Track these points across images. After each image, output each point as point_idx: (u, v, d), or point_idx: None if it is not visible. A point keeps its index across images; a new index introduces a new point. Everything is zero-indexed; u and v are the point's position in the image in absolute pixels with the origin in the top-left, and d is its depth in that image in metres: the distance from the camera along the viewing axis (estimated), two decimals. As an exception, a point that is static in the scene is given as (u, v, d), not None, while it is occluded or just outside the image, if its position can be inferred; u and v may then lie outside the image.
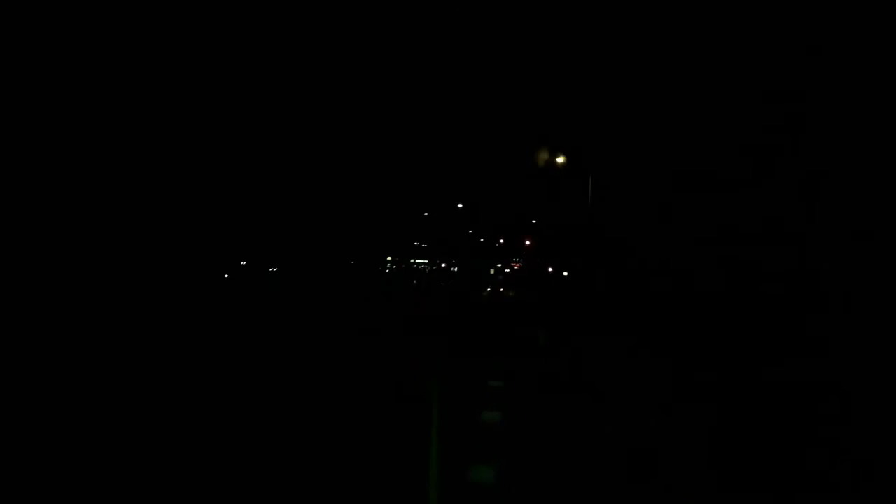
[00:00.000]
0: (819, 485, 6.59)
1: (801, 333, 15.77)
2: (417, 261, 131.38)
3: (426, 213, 70.25)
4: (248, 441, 7.56)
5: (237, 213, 38.32)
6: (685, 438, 8.08)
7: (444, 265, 78.88)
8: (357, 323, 22.15)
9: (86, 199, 20.99)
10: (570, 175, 37.97)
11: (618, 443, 7.80)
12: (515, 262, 79.70)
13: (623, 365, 14.23)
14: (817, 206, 16.30)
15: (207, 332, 17.91)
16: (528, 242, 62.58)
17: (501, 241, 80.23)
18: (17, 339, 13.68)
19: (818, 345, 14.41)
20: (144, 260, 25.27)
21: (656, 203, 28.38)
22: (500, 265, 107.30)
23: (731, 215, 20.52)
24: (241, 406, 9.32)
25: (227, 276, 40.86)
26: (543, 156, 32.83)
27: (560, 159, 33.22)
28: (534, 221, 65.92)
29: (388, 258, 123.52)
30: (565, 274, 54.02)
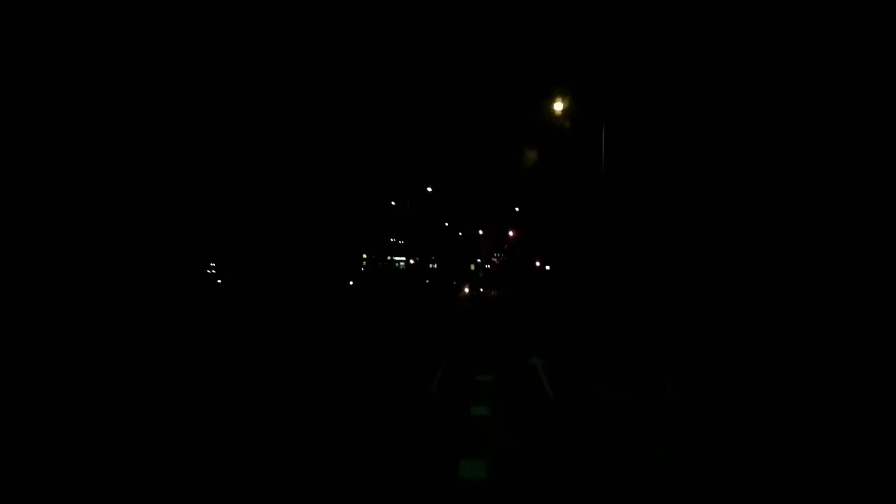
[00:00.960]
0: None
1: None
2: (396, 258, 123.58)
3: (393, 203, 61.29)
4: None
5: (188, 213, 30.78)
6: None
7: (413, 262, 70.49)
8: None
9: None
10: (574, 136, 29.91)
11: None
12: (496, 257, 71.52)
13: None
14: None
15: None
16: (511, 234, 54.36)
17: (481, 231, 71.79)
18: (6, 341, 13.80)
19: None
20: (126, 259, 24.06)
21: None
22: (479, 260, 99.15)
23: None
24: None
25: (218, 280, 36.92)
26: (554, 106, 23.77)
27: (559, 105, 24.85)
28: (517, 209, 57.67)
29: (364, 256, 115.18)
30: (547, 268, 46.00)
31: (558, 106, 23.04)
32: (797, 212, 16.52)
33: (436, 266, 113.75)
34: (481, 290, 44.09)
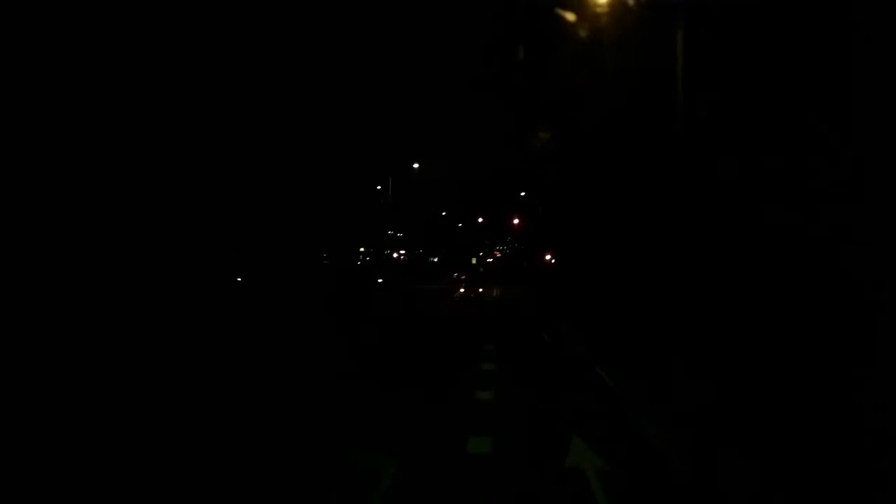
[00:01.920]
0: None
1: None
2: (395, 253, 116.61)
3: (378, 187, 52.73)
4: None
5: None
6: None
7: (398, 256, 61.45)
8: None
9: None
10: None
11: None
12: (498, 251, 63.20)
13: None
14: None
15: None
16: (516, 221, 46.00)
17: (480, 220, 63.34)
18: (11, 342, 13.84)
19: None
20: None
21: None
22: (481, 254, 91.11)
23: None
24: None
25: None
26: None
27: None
28: (522, 194, 49.84)
29: (361, 249, 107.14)
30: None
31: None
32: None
33: (436, 259, 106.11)
34: (480, 290, 35.87)
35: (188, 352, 15.04)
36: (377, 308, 29.10)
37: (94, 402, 9.92)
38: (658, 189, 17.55)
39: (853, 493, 6.51)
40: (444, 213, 79.67)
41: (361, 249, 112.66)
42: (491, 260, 75.12)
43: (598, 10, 15.18)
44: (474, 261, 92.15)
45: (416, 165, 38.38)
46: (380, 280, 42.18)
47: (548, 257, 41.81)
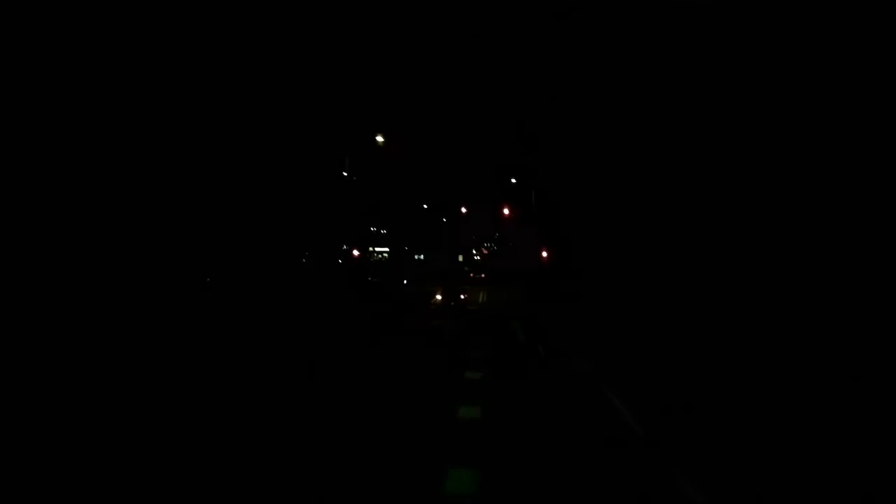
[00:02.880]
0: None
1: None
2: (377, 249, 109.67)
3: (345, 174, 45.07)
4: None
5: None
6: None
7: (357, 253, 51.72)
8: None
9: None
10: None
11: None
12: (485, 248, 56.15)
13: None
14: None
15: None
16: (506, 212, 38.85)
17: (464, 210, 55.97)
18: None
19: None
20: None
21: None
22: (474, 253, 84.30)
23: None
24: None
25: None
26: None
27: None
28: (514, 181, 43.42)
29: (345, 247, 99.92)
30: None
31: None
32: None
33: (422, 257, 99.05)
34: (462, 295, 28.73)
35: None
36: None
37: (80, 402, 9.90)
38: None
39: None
40: (424, 206, 72.44)
41: (345, 248, 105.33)
42: (479, 258, 68.02)
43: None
44: (461, 258, 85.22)
45: (379, 139, 30.18)
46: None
47: (544, 254, 34.78)
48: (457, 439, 8.13)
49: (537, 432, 8.45)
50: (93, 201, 22.96)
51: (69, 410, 9.37)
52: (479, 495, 6.26)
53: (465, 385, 11.90)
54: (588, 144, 33.50)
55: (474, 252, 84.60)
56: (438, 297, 27.86)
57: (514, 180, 42.69)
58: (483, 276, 49.21)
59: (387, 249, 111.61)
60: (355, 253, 32.09)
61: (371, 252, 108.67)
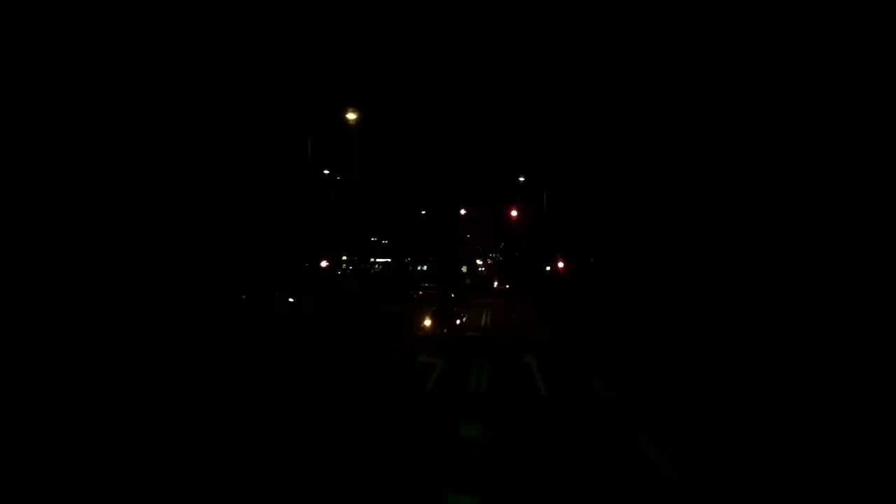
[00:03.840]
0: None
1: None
2: (378, 260, 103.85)
3: (326, 172, 38.41)
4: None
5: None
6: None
7: (327, 264, 44.11)
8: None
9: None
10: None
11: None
12: (491, 258, 50.02)
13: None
14: None
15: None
16: (514, 213, 32.60)
17: (463, 212, 49.40)
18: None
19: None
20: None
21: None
22: (479, 263, 78.33)
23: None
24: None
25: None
26: None
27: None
28: (521, 179, 37.73)
29: (345, 258, 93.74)
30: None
31: None
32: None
33: (426, 268, 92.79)
34: (459, 320, 22.24)
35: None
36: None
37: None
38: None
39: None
40: (423, 212, 66.37)
41: (345, 259, 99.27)
42: (483, 269, 61.61)
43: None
44: (464, 269, 79.07)
45: (350, 117, 23.34)
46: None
47: (560, 265, 28.43)
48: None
49: None
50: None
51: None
52: None
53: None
54: (619, 133, 27.46)
55: (479, 263, 78.42)
56: (427, 322, 21.59)
57: (521, 179, 36.38)
58: (491, 283, 42.75)
59: (388, 260, 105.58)
60: (324, 264, 25.89)
61: (372, 263, 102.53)
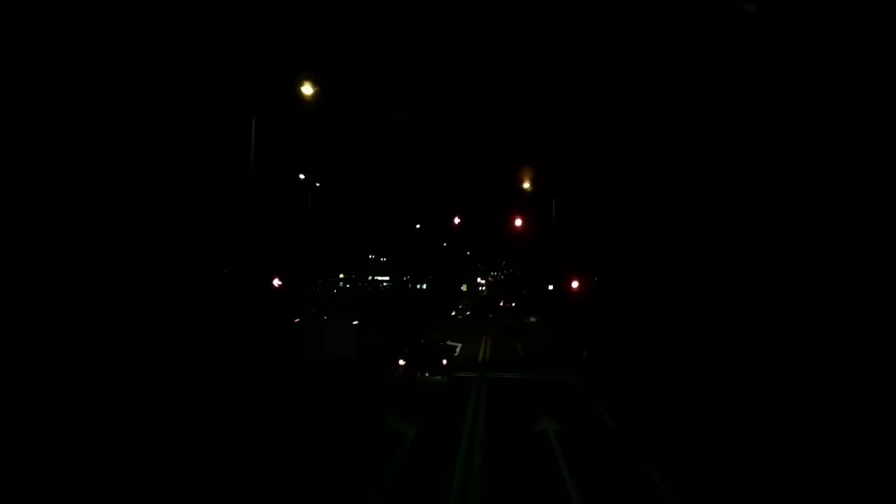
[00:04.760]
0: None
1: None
2: (377, 278, 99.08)
3: (317, 184, 33.68)
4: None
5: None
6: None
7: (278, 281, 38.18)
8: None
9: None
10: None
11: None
12: (491, 276, 45.10)
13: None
14: None
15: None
16: (518, 223, 27.86)
17: (457, 220, 44.48)
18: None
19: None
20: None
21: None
22: (480, 281, 73.63)
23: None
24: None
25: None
26: None
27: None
28: (525, 187, 33.19)
29: (342, 275, 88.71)
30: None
31: None
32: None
33: (424, 287, 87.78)
34: (445, 361, 17.22)
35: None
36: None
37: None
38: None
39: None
40: (417, 226, 61.33)
41: (342, 276, 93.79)
42: (484, 289, 56.59)
43: None
44: (464, 288, 74.25)
45: (307, 90, 18.76)
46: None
47: (575, 283, 23.47)
48: None
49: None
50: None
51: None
52: None
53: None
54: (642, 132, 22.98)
55: (480, 281, 73.48)
56: (402, 361, 16.46)
57: (526, 185, 31.57)
58: (491, 309, 37.75)
59: (387, 278, 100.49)
60: (276, 283, 20.78)
61: (370, 280, 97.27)
